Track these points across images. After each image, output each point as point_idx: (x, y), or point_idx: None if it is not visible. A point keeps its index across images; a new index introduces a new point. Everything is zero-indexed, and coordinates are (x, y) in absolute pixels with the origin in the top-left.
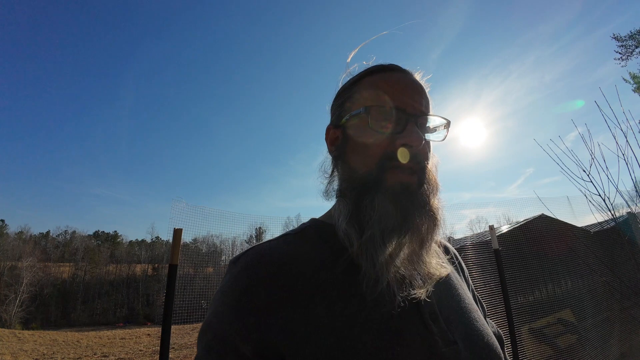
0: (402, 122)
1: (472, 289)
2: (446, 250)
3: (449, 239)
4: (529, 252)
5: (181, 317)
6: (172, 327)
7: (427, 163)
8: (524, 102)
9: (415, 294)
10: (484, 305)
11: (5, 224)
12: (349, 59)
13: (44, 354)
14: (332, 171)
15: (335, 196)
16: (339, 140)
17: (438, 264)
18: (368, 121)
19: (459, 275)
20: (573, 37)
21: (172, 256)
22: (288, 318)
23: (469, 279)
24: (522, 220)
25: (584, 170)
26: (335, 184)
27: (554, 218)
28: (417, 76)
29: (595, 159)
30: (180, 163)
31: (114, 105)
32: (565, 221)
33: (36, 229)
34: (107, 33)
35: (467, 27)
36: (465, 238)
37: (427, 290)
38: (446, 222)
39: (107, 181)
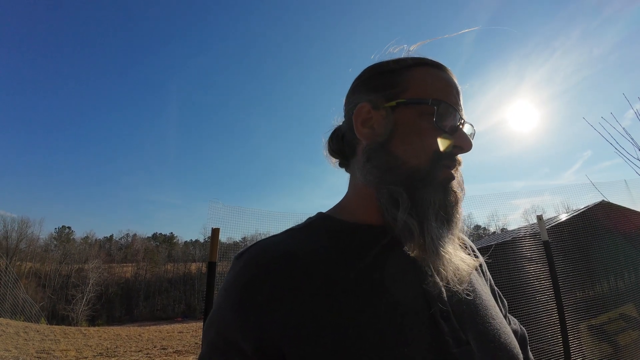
0: (456, 124)
1: (491, 284)
2: (463, 244)
3: (502, 230)
4: (589, 243)
5: None
6: None
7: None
8: (574, 80)
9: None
10: (505, 301)
11: (72, 231)
12: (410, 49)
13: (107, 348)
14: (363, 156)
15: (365, 183)
16: (378, 123)
17: (469, 257)
18: (433, 114)
19: (476, 269)
20: (620, 5)
21: (211, 254)
22: (289, 315)
23: (487, 272)
24: (581, 208)
25: None
26: (359, 170)
27: (616, 205)
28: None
29: None
30: (226, 167)
31: (161, 117)
32: (628, 207)
33: (100, 234)
34: (150, 50)
35: (501, 5)
36: (518, 229)
37: (462, 288)
38: (498, 213)
39: (160, 188)
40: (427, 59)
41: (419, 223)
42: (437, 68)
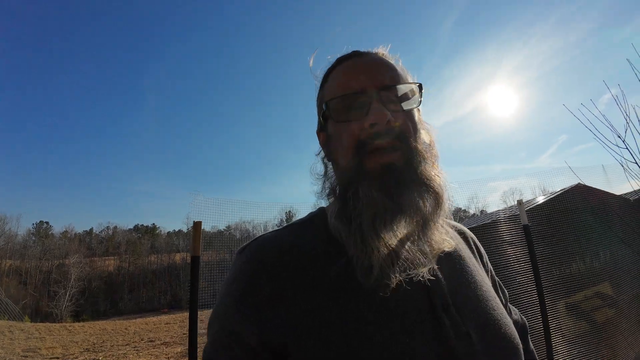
0: (366, 104)
1: (491, 274)
2: (462, 234)
3: (481, 212)
4: (566, 224)
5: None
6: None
7: (413, 135)
8: (550, 65)
9: (417, 274)
10: (506, 290)
11: (50, 226)
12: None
13: (94, 344)
14: (325, 174)
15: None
16: (324, 142)
17: (440, 239)
18: (331, 116)
19: (477, 260)
20: None
21: (194, 248)
22: (291, 310)
23: (488, 263)
24: (558, 190)
25: (619, 136)
26: (328, 185)
27: (591, 187)
28: (381, 52)
29: (630, 123)
30: (207, 156)
31: (140, 108)
32: (603, 190)
33: (79, 227)
34: (130, 39)
35: None
36: (497, 212)
37: (430, 268)
38: (477, 195)
39: (141, 178)
40: (342, 56)
41: (346, 225)
42: (347, 60)
